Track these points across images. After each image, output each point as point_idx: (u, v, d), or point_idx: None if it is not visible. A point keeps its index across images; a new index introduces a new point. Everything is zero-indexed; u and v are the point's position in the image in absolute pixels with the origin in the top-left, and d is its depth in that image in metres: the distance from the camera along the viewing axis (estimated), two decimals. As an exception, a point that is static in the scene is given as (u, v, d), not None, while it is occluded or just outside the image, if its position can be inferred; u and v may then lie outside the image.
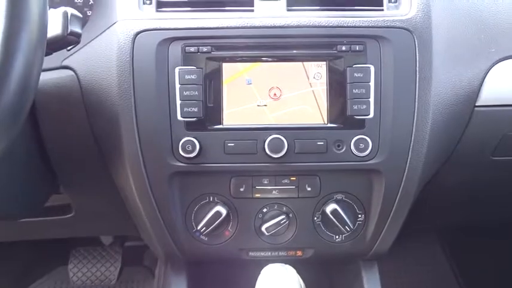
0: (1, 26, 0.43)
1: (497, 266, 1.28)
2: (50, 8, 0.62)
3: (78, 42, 0.59)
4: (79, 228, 1.04)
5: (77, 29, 0.56)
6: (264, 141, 0.72)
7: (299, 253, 0.79)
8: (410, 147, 0.72)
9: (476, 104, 0.77)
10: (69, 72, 0.74)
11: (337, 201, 0.76)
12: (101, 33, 0.75)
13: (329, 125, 0.73)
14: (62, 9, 0.56)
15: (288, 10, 0.75)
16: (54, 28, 0.56)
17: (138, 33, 0.72)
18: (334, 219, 0.75)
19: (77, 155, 0.81)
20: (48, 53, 0.59)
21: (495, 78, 0.76)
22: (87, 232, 1.13)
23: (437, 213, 0.98)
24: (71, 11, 0.56)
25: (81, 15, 0.58)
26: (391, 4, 0.76)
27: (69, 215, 0.97)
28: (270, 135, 0.71)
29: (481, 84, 0.76)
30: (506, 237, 1.23)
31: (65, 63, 0.74)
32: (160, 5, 0.76)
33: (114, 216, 0.98)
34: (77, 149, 0.80)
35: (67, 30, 0.55)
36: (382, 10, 0.75)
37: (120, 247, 1.45)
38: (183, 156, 0.72)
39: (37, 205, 0.87)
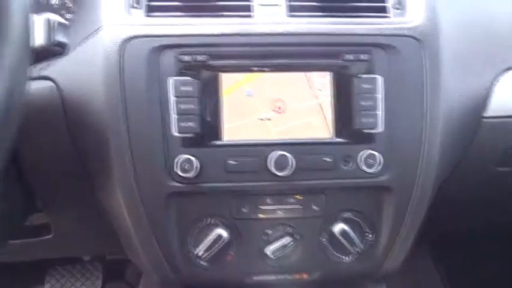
0: None
1: (488, 277, 1.28)
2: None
3: (63, 53, 0.52)
4: (58, 249, 0.96)
5: (63, 38, 0.49)
6: (268, 158, 0.66)
7: (305, 276, 0.75)
8: (422, 161, 0.69)
9: (484, 115, 0.74)
10: (49, 83, 0.67)
11: (345, 220, 0.71)
12: (84, 40, 0.68)
13: (336, 139, 0.68)
14: (45, 16, 0.49)
15: (289, 16, 0.71)
16: (35, 38, 0.48)
17: (126, 40, 0.66)
18: (342, 240, 0.70)
19: (57, 175, 0.74)
20: None
21: (502, 88, 0.74)
22: (67, 253, 1.05)
23: (438, 224, 0.96)
24: (54, 17, 0.49)
25: (67, 23, 0.50)
26: (396, 11, 0.72)
27: (48, 237, 0.89)
28: (275, 152, 0.66)
29: (488, 95, 0.74)
30: (497, 246, 1.23)
31: (44, 73, 0.67)
32: (150, 9, 0.70)
33: (98, 237, 0.91)
34: (57, 168, 0.72)
35: (51, 40, 0.48)
36: (388, 17, 0.72)
37: (101, 262, 1.37)
38: (180, 175, 0.66)
39: (14, 228, 0.79)
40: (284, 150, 0.66)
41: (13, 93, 0.38)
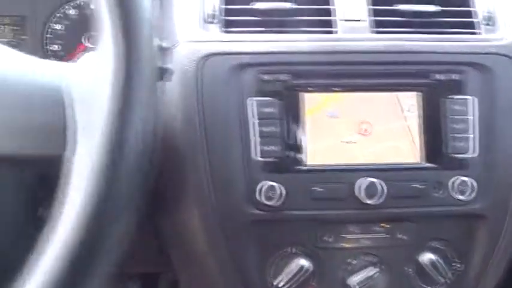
0: (118, 74, 0.33)
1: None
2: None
3: (165, 80, 0.48)
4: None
5: (168, 65, 0.45)
6: (356, 185, 0.63)
7: None
8: None
9: None
10: None
11: (433, 250, 0.67)
12: None
13: (426, 164, 0.64)
14: None
15: (373, 32, 0.67)
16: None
17: (204, 57, 0.62)
18: (430, 270, 0.66)
19: None
20: None
21: None
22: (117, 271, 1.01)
23: None
24: (158, 42, 0.45)
25: (170, 46, 0.47)
26: (487, 27, 0.68)
27: None
28: (362, 178, 0.62)
29: None
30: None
31: None
32: (227, 25, 0.66)
33: (150, 256, 0.88)
34: None
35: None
36: (478, 34, 0.68)
37: (137, 276, 1.33)
38: (263, 203, 0.62)
39: None
40: (373, 176, 0.62)
41: (148, 119, 0.35)
